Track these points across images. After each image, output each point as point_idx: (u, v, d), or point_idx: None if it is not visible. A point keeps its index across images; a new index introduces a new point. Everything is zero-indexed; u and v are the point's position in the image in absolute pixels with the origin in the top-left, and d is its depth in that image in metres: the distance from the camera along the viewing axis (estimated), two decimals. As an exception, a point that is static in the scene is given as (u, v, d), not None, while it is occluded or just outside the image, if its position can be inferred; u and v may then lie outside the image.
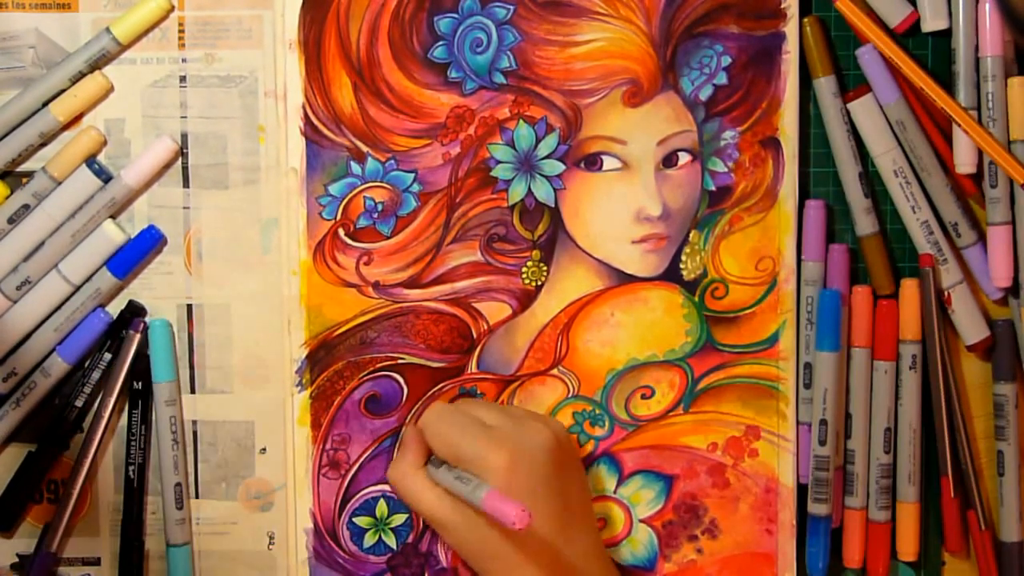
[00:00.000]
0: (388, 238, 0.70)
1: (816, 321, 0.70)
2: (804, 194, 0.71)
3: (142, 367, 0.70)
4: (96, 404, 0.70)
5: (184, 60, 0.69)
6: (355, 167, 0.70)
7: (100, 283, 0.69)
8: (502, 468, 0.61)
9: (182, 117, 0.70)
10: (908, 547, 0.71)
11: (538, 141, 0.70)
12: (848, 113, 0.69)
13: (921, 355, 0.70)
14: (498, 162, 0.70)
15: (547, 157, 0.70)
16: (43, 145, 0.69)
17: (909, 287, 0.70)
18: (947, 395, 0.70)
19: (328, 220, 0.70)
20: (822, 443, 0.69)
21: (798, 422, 0.71)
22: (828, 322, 0.69)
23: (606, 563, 0.66)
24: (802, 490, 0.72)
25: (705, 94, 0.69)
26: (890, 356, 0.70)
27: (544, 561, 0.62)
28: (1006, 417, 0.70)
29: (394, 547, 0.72)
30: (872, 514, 0.71)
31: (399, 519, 0.72)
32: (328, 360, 0.70)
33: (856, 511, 0.71)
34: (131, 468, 0.70)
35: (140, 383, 0.70)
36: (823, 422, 0.69)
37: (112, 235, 0.69)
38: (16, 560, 0.72)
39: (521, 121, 0.69)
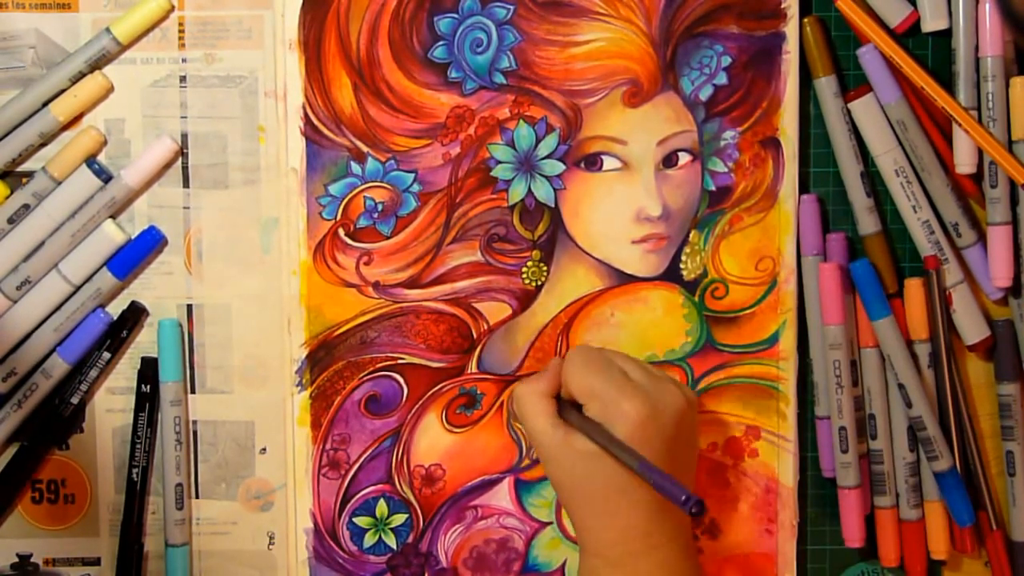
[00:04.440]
0: (388, 238, 0.70)
1: (861, 295, 0.70)
2: (804, 194, 0.71)
3: (149, 370, 0.70)
4: (96, 404, 0.70)
5: (184, 60, 0.69)
6: (355, 167, 0.70)
7: (100, 283, 0.69)
8: (635, 419, 0.61)
9: (182, 117, 0.70)
10: (939, 545, 0.71)
11: (538, 141, 0.70)
12: (849, 113, 0.69)
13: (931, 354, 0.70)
14: (498, 162, 0.70)
15: (547, 157, 0.70)
16: (43, 145, 0.69)
17: (914, 287, 0.70)
18: (954, 395, 0.70)
19: (328, 220, 0.70)
20: (909, 405, 0.69)
21: (816, 416, 0.71)
22: (874, 290, 0.69)
23: (690, 539, 0.65)
24: (826, 483, 0.72)
25: (705, 94, 0.69)
26: (904, 354, 0.71)
27: (638, 515, 0.62)
28: (1013, 417, 0.70)
29: (394, 547, 0.72)
30: (904, 513, 0.71)
31: (399, 519, 0.72)
32: (328, 360, 0.70)
33: (887, 510, 0.71)
34: (135, 471, 0.70)
35: (148, 386, 0.70)
36: (901, 386, 0.69)
37: (112, 235, 0.69)
38: (16, 560, 0.72)
39: (521, 121, 0.69)
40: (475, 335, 0.71)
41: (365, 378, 0.71)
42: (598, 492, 0.62)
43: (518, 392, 0.66)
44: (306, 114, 0.69)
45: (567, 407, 0.65)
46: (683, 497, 0.57)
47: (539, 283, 0.71)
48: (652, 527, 0.62)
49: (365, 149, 0.69)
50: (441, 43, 0.69)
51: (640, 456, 0.60)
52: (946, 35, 0.69)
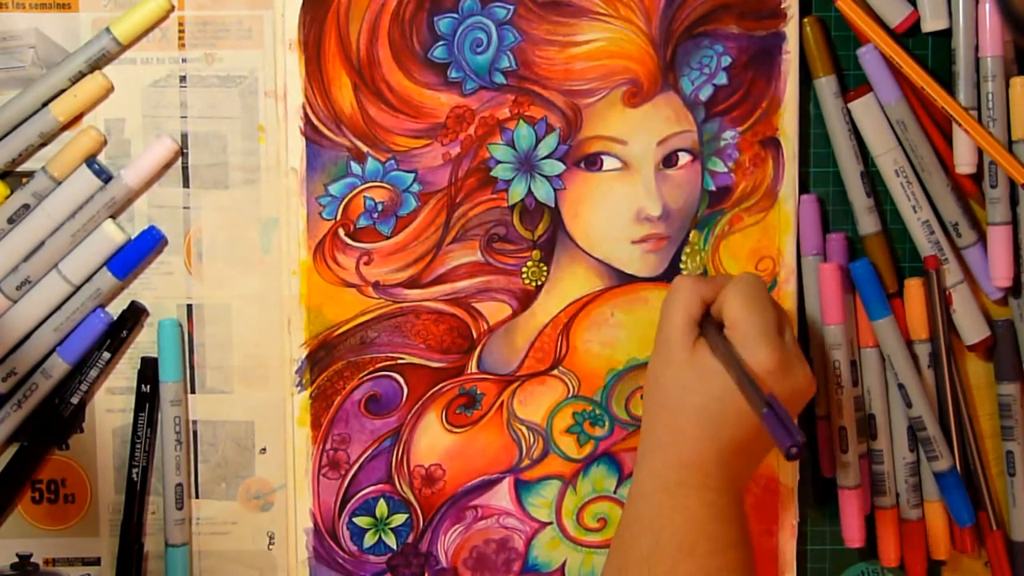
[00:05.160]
0: (388, 238, 0.70)
1: (861, 294, 0.70)
2: (804, 194, 0.71)
3: (149, 370, 0.70)
4: (96, 404, 0.70)
5: (184, 60, 0.69)
6: (355, 167, 0.70)
7: (100, 283, 0.69)
8: (764, 371, 0.60)
9: (182, 117, 0.70)
10: (939, 545, 0.71)
11: (538, 141, 0.70)
12: (849, 113, 0.69)
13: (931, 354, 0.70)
14: (498, 162, 0.70)
15: (547, 157, 0.70)
16: (43, 145, 0.69)
17: (914, 287, 0.70)
18: (954, 395, 0.70)
19: (328, 220, 0.70)
20: (909, 405, 0.69)
21: (816, 416, 0.71)
22: (874, 290, 0.69)
23: (742, 492, 0.64)
24: (826, 483, 0.72)
25: (705, 94, 0.69)
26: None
27: (709, 450, 0.61)
28: (1013, 417, 0.70)
29: (394, 547, 0.72)
30: (904, 513, 0.71)
31: (399, 519, 0.72)
32: (328, 360, 0.70)
33: (887, 510, 0.71)
34: (135, 471, 0.70)
35: (148, 386, 0.70)
36: (901, 386, 0.69)
37: (112, 235, 0.69)
38: (16, 560, 0.72)
39: (521, 121, 0.69)
40: (475, 335, 0.71)
41: (365, 378, 0.71)
42: (689, 409, 0.61)
43: (678, 281, 0.64)
44: (306, 114, 0.69)
45: (709, 322, 0.64)
46: (792, 437, 0.55)
47: (539, 283, 0.71)
48: (713, 468, 0.61)
49: (365, 149, 0.69)
50: (441, 43, 0.69)
51: (760, 387, 0.58)
52: (946, 35, 0.69)
